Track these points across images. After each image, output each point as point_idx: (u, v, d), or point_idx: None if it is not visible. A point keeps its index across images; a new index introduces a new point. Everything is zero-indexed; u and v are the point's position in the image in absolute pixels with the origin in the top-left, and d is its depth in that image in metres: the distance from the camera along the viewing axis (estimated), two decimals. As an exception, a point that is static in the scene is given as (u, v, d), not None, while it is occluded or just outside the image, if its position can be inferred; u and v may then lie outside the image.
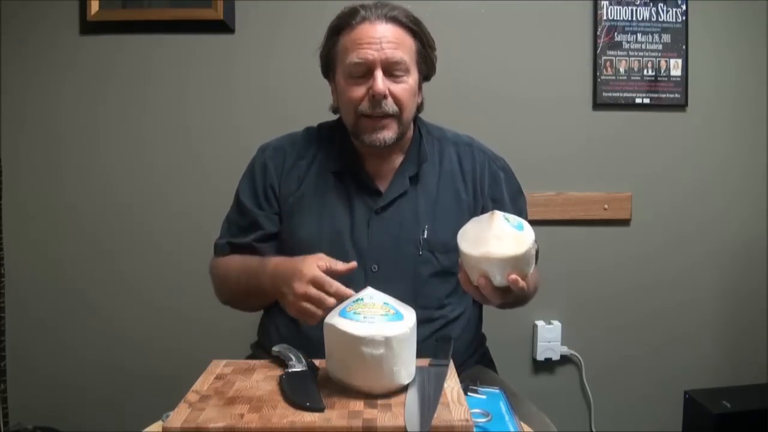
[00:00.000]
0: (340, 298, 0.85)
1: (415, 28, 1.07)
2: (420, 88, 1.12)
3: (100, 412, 1.71)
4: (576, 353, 1.78)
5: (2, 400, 1.47)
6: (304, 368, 0.81)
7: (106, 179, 1.71)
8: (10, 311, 1.52)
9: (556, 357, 1.77)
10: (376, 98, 1.02)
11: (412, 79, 1.06)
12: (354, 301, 0.80)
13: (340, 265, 0.90)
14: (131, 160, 1.71)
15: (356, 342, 0.74)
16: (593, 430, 1.80)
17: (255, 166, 1.15)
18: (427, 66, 1.11)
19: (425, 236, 1.07)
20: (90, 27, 1.67)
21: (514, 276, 0.84)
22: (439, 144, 1.16)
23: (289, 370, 0.81)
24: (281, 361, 0.85)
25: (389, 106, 1.03)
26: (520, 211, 1.17)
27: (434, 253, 1.07)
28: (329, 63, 1.10)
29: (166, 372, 1.64)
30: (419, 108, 1.14)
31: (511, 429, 0.76)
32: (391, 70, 1.03)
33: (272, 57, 1.70)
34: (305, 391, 0.75)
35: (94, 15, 1.65)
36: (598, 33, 1.73)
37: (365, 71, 1.03)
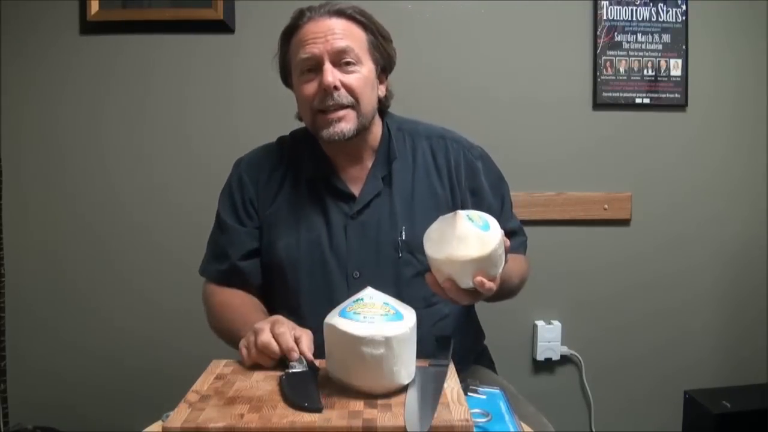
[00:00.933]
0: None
1: (362, 19, 1.05)
2: (382, 80, 1.10)
3: (100, 412, 1.71)
4: (576, 353, 1.78)
5: (2, 400, 1.47)
6: (304, 369, 0.81)
7: (106, 179, 1.71)
8: (10, 311, 1.52)
9: (556, 357, 1.77)
10: (326, 90, 1.00)
11: (366, 69, 1.03)
12: (354, 301, 0.80)
13: (304, 348, 0.85)
14: (131, 160, 1.71)
15: (356, 342, 0.73)
16: (593, 430, 1.80)
17: (232, 182, 1.14)
18: (382, 57, 1.08)
19: (403, 237, 1.04)
20: (90, 27, 1.67)
21: (479, 278, 0.81)
22: (411, 139, 1.12)
23: (290, 371, 0.81)
24: (281, 362, 0.85)
25: (342, 97, 1.01)
26: (503, 198, 1.15)
27: (414, 254, 1.04)
28: (286, 70, 1.10)
29: (166, 372, 1.65)
30: (385, 102, 1.12)
31: (511, 429, 0.76)
32: (340, 60, 1.01)
33: (272, 57, 1.70)
34: (305, 391, 0.75)
35: (94, 15, 1.65)
36: (598, 33, 1.73)
37: (314, 66, 1.01)
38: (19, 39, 1.68)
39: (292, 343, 0.83)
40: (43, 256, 1.72)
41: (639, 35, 1.74)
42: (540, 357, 1.77)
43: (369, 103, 1.04)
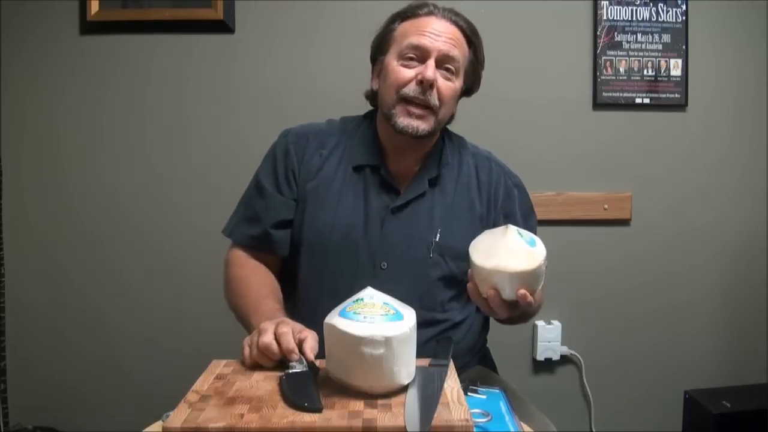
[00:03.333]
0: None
1: (473, 39, 1.09)
2: (459, 98, 1.13)
3: (100, 412, 1.71)
4: (576, 353, 1.78)
5: (2, 400, 1.47)
6: (304, 369, 0.81)
7: (106, 179, 1.71)
8: (10, 311, 1.52)
9: (556, 357, 1.77)
10: (424, 84, 1.02)
11: (458, 83, 1.08)
12: (354, 301, 0.80)
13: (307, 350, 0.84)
14: (131, 160, 1.71)
15: (356, 342, 0.73)
16: (593, 430, 1.80)
17: (277, 150, 1.14)
18: (473, 78, 1.12)
19: (437, 239, 1.07)
20: (90, 27, 1.67)
21: (523, 291, 0.84)
22: (458, 152, 1.16)
23: (290, 371, 0.81)
24: (282, 362, 0.85)
25: (433, 97, 1.03)
26: (531, 230, 1.17)
27: (444, 257, 1.07)
28: (382, 45, 1.10)
29: (166, 372, 1.65)
30: (450, 120, 1.15)
31: (511, 429, 0.76)
32: (444, 65, 1.04)
33: (272, 57, 1.70)
34: (304, 391, 0.75)
35: (94, 15, 1.65)
36: (598, 33, 1.73)
37: (420, 56, 1.03)
38: (19, 39, 1.68)
39: (293, 345, 0.83)
40: (43, 256, 1.72)
41: (639, 35, 1.74)
42: (540, 357, 1.77)
43: (447, 113, 1.09)
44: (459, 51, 1.06)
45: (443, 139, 1.15)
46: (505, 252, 0.85)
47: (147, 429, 0.78)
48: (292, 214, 1.10)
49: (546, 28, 1.74)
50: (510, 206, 1.16)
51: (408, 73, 1.03)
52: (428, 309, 1.06)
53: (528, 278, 0.85)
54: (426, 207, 1.09)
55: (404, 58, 1.04)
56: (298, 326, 0.89)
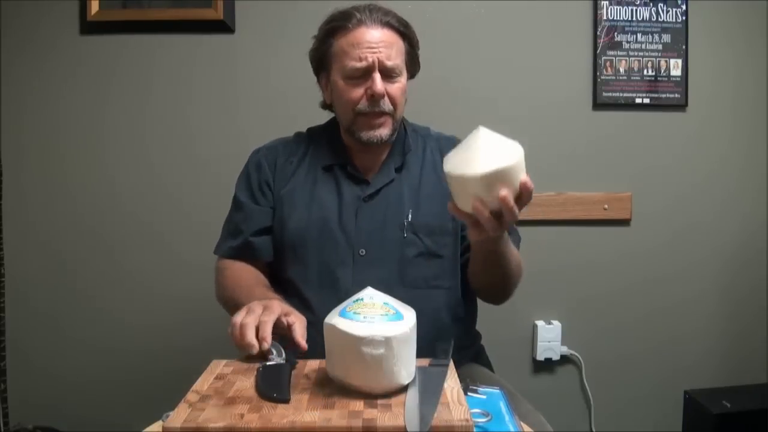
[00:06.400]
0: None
1: (404, 30, 1.12)
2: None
3: (101, 412, 1.71)
4: (576, 353, 1.78)
5: (2, 400, 1.47)
6: (281, 361, 0.82)
7: (106, 178, 1.71)
8: (10, 311, 1.52)
9: (556, 357, 1.77)
10: (375, 98, 1.07)
11: (404, 79, 1.12)
12: (354, 301, 0.80)
13: (297, 336, 0.89)
14: (132, 160, 1.71)
15: (356, 342, 0.74)
16: (593, 430, 1.80)
17: (249, 166, 1.21)
18: (413, 64, 1.16)
19: (409, 219, 1.11)
20: (90, 27, 1.67)
21: (504, 192, 0.79)
22: (422, 140, 1.22)
23: (267, 363, 0.82)
24: (262, 355, 0.86)
25: (386, 105, 1.09)
26: None
27: (418, 234, 1.11)
28: (322, 63, 1.15)
29: (166, 372, 1.65)
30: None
31: (511, 429, 0.76)
32: (388, 72, 1.08)
33: (272, 57, 1.70)
34: (277, 383, 0.76)
35: (94, 15, 1.65)
36: (598, 33, 1.73)
37: (363, 73, 1.08)
38: (20, 39, 1.68)
39: (252, 339, 0.85)
40: (44, 255, 1.72)
41: (639, 35, 1.74)
42: (540, 357, 1.77)
43: (402, 109, 1.14)
44: (397, 52, 1.09)
45: (405, 130, 1.20)
46: (483, 153, 0.79)
47: (147, 429, 0.78)
48: (270, 221, 1.16)
49: (546, 28, 1.74)
50: None
51: (357, 92, 1.08)
52: (413, 287, 1.09)
53: (512, 175, 0.79)
54: (395, 191, 1.14)
55: (350, 78, 1.08)
56: (287, 308, 0.93)
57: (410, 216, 1.12)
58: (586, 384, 1.79)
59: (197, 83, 1.70)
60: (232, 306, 1.07)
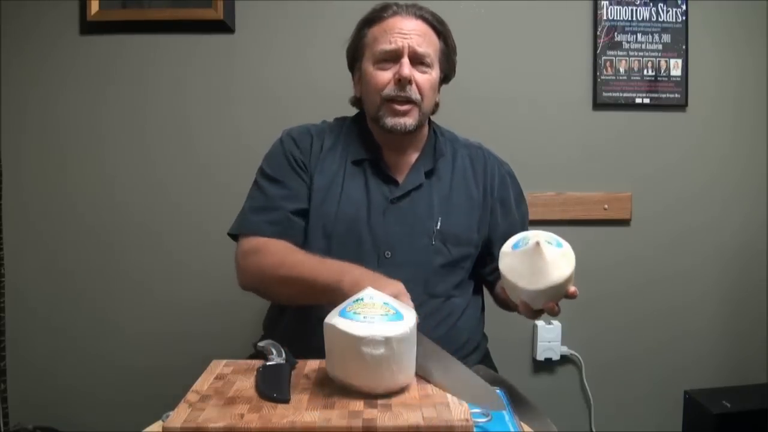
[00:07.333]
0: None
1: (440, 28, 1.13)
2: (439, 88, 1.17)
3: (100, 412, 1.71)
4: (576, 353, 1.78)
5: (2, 400, 1.47)
6: (281, 361, 0.82)
7: (106, 179, 1.71)
8: (10, 311, 1.52)
9: (556, 357, 1.77)
10: (402, 82, 1.07)
11: (434, 73, 1.12)
12: (354, 301, 0.80)
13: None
14: (132, 160, 1.71)
15: (356, 342, 0.74)
16: (593, 430, 1.80)
17: (284, 144, 1.15)
18: (448, 66, 1.16)
19: (438, 227, 1.11)
20: (90, 27, 1.67)
21: (573, 288, 0.87)
22: (452, 146, 1.21)
23: (267, 363, 0.82)
24: (263, 355, 0.86)
25: (413, 92, 1.08)
26: (524, 215, 1.23)
27: (446, 244, 1.11)
28: (356, 53, 1.15)
29: (166, 372, 1.65)
30: (435, 109, 1.19)
31: (511, 429, 0.76)
32: (418, 61, 1.08)
33: (272, 57, 1.70)
34: (277, 383, 0.76)
35: (94, 15, 1.64)
36: (598, 33, 1.73)
37: (393, 57, 1.08)
38: (20, 39, 1.68)
39: None
40: (44, 256, 1.72)
41: (639, 35, 1.74)
42: (540, 357, 1.77)
43: (430, 104, 1.13)
44: (429, 43, 1.10)
45: (435, 133, 1.20)
46: (549, 266, 0.86)
47: (147, 429, 0.78)
48: (307, 202, 1.10)
49: (546, 28, 1.74)
50: (505, 192, 1.21)
51: (385, 75, 1.08)
52: (433, 296, 1.09)
53: (571, 276, 0.87)
54: (425, 197, 1.13)
55: (380, 63, 1.09)
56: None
57: (439, 224, 1.11)
58: (586, 384, 1.79)
59: (197, 83, 1.70)
60: (303, 283, 0.97)
